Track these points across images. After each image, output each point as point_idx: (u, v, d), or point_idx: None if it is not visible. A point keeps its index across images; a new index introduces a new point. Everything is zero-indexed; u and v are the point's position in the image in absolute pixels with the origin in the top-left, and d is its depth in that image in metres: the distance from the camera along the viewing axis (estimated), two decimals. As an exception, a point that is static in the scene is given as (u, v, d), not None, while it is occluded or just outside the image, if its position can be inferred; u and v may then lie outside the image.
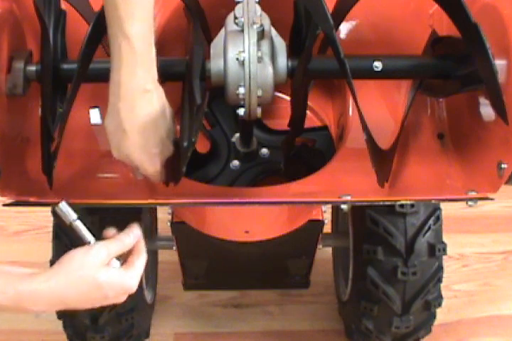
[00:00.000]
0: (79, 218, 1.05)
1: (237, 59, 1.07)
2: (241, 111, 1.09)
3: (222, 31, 1.12)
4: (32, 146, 1.13)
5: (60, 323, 1.65)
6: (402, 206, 1.51)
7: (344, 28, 1.30)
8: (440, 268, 1.57)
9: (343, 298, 1.80)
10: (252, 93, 1.07)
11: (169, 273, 1.95)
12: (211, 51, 1.11)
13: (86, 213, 1.32)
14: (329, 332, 1.90)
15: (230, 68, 1.07)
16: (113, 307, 1.57)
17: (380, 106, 1.27)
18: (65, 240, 1.51)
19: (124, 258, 1.07)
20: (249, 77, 1.06)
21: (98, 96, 1.25)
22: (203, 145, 1.38)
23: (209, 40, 1.13)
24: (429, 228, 1.54)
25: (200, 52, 1.08)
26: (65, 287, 1.00)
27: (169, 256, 1.80)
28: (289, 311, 1.96)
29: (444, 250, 1.57)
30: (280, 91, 1.43)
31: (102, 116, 1.23)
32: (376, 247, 1.52)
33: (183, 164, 1.05)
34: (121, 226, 1.08)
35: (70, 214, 1.05)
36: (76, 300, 1.01)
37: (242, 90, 1.07)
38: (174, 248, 1.65)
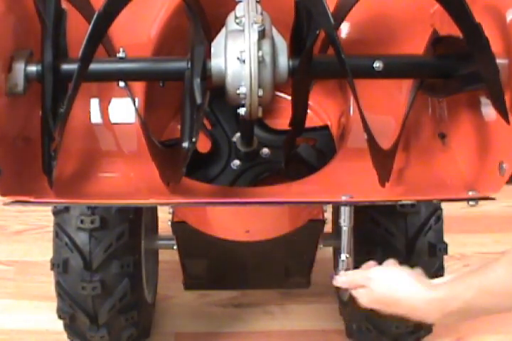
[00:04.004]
0: None
1: (238, 58, 1.06)
2: (242, 111, 1.09)
3: (223, 31, 1.12)
4: (32, 146, 1.13)
5: (60, 323, 1.65)
6: (403, 206, 1.51)
7: (345, 28, 1.30)
8: (441, 268, 1.57)
9: (343, 297, 1.80)
10: (252, 93, 1.07)
11: (170, 272, 1.95)
12: (212, 51, 1.10)
13: None
14: (330, 332, 1.90)
15: (231, 68, 1.07)
16: (113, 306, 1.57)
17: (381, 106, 1.26)
18: (65, 240, 1.51)
19: None
20: (250, 77, 1.06)
21: (99, 96, 1.25)
22: (203, 145, 1.38)
23: (210, 39, 1.13)
24: (430, 228, 1.54)
25: (201, 52, 1.08)
26: None
27: (170, 256, 1.80)
28: (289, 311, 1.96)
29: (445, 250, 1.57)
30: (281, 91, 1.43)
31: (103, 111, 1.23)
32: (377, 247, 1.51)
33: (184, 164, 1.05)
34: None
35: None
36: None
37: (243, 90, 1.07)
38: (175, 247, 1.64)
